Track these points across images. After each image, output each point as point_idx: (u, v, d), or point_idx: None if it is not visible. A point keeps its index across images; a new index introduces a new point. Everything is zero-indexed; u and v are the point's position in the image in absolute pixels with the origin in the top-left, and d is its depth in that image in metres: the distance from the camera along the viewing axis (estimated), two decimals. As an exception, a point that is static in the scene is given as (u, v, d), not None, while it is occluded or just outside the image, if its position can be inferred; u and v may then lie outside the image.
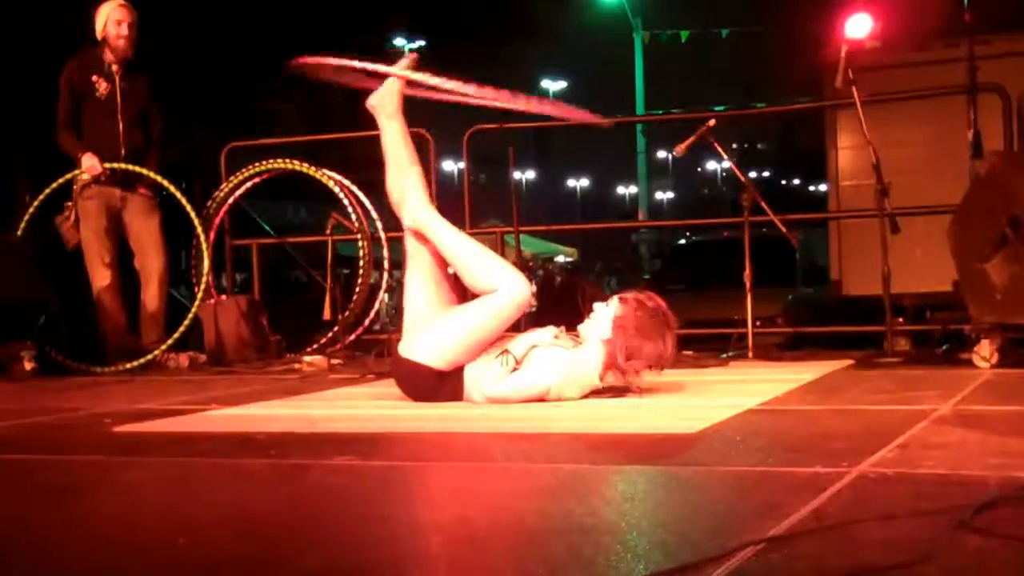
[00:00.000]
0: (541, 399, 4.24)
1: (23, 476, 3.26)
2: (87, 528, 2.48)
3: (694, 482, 2.72)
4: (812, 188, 41.83)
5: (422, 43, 31.89)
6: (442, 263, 4.57)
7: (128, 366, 6.78)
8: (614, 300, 4.35)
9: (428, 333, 4.40)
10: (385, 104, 4.76)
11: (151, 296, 7.10)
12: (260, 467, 3.17)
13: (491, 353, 4.33)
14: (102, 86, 7.02)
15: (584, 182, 55.70)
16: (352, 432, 3.76)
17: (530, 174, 46.95)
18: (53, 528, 2.47)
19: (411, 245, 4.62)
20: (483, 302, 4.39)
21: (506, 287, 4.37)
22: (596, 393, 4.32)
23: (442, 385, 4.36)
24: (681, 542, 2.08)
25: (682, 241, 16.56)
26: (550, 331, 4.41)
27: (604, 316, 4.31)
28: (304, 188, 10.43)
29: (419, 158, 4.81)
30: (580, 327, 4.40)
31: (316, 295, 7.79)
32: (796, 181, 48.35)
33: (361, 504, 2.60)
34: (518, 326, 4.91)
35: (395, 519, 2.41)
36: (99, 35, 7.05)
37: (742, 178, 6.21)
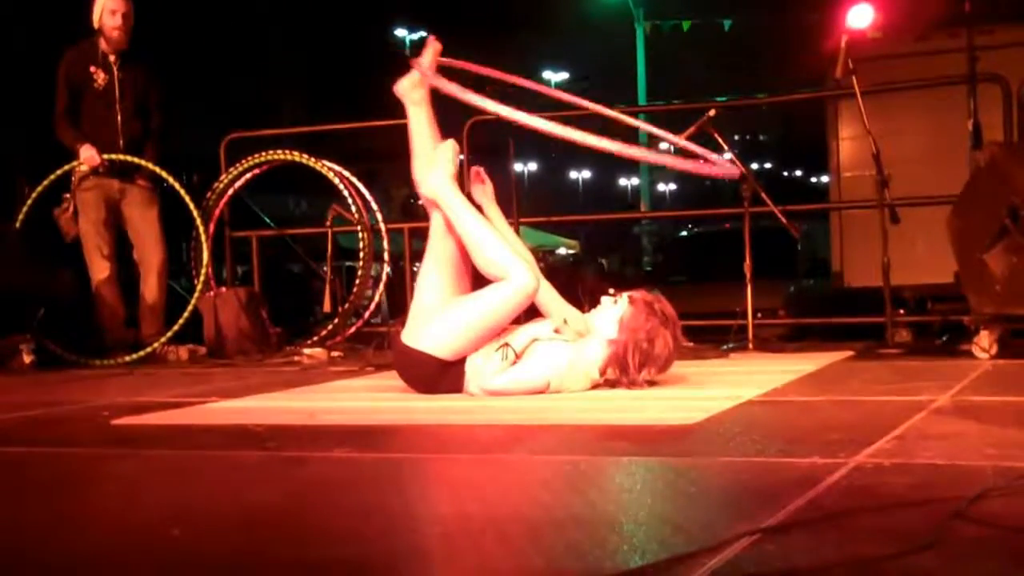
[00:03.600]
0: (540, 392, 4.24)
1: (21, 469, 3.26)
2: (85, 521, 2.47)
3: (692, 473, 2.71)
4: (814, 180, 41.78)
5: (423, 34, 31.89)
6: (465, 257, 4.53)
7: (127, 359, 6.78)
8: (623, 299, 4.33)
9: (433, 322, 4.39)
10: (412, 92, 4.76)
11: (150, 288, 7.10)
12: (259, 459, 3.16)
13: (492, 345, 4.33)
14: (100, 77, 7.02)
15: (586, 173, 55.65)
16: (351, 424, 3.76)
17: (532, 165, 46.91)
18: (52, 521, 2.47)
19: (435, 231, 4.60)
20: (489, 292, 4.38)
21: (514, 277, 4.35)
22: (595, 385, 4.32)
23: (444, 375, 4.36)
24: (677, 533, 2.08)
25: (683, 233, 16.56)
26: (551, 324, 4.41)
27: (612, 315, 4.30)
28: (304, 180, 10.41)
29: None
30: (587, 316, 4.40)
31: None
32: (797, 172, 48.30)
33: (360, 496, 2.60)
34: (518, 318, 4.90)
35: (393, 511, 2.41)
36: (95, 25, 7.05)
37: (742, 168, 6.19)
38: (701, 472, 2.73)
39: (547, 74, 44.30)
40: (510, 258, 4.41)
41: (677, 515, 2.26)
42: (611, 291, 4.38)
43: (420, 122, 4.76)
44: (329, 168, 7.51)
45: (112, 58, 7.03)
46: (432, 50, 4.75)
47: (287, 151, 7.67)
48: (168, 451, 3.40)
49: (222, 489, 2.79)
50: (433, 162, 4.64)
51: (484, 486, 2.73)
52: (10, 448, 3.61)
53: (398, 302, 9.48)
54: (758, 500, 2.31)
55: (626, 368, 4.25)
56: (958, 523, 2.03)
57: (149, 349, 6.87)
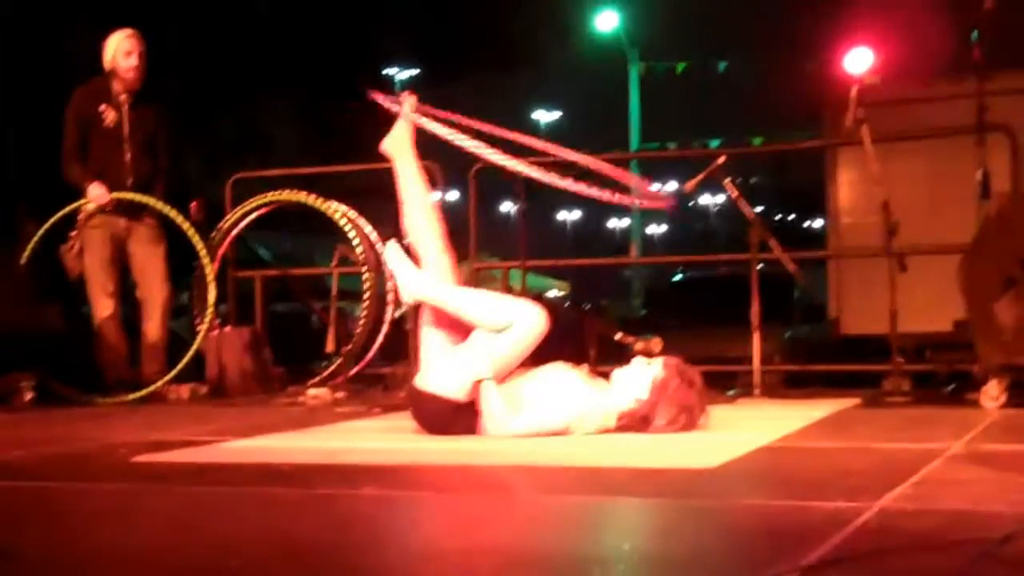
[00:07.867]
0: (559, 433, 4.27)
1: (52, 505, 3.26)
2: (133, 554, 2.47)
3: (720, 515, 2.75)
4: (806, 224, 41.82)
5: (415, 72, 32.01)
6: None
7: (129, 397, 6.75)
8: (658, 362, 4.39)
9: (444, 364, 4.43)
10: (398, 147, 4.83)
11: (153, 327, 7.06)
12: (289, 496, 3.19)
13: (508, 385, 4.35)
14: (109, 116, 7.02)
15: (576, 214, 55.61)
16: (375, 464, 3.80)
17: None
18: (98, 555, 2.48)
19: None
20: (501, 335, 4.42)
21: (521, 320, 4.40)
22: (606, 430, 4.35)
23: (456, 418, 4.37)
24: (717, 573, 2.11)
25: (678, 276, 16.58)
26: (561, 366, 4.45)
27: (645, 375, 4.35)
28: (288, 219, 10.36)
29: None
30: (615, 372, 4.44)
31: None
32: (790, 217, 48.31)
33: (396, 533, 2.61)
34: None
35: (434, 547, 2.44)
36: (107, 66, 7.05)
37: (749, 215, 6.18)
38: (729, 514, 2.77)
39: (539, 113, 44.43)
40: (512, 307, 4.49)
41: (713, 556, 2.30)
42: (632, 340, 4.43)
43: (409, 175, 4.81)
44: (335, 209, 7.50)
45: (124, 97, 7.04)
46: (409, 102, 4.85)
47: (294, 192, 7.67)
48: (199, 488, 3.42)
49: (264, 524, 2.81)
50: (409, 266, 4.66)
51: (520, 525, 2.75)
52: (35, 483, 3.61)
53: (398, 344, 9.46)
54: (790, 541, 2.34)
55: (646, 425, 4.31)
56: (990, 564, 2.07)
57: (152, 388, 6.83)
